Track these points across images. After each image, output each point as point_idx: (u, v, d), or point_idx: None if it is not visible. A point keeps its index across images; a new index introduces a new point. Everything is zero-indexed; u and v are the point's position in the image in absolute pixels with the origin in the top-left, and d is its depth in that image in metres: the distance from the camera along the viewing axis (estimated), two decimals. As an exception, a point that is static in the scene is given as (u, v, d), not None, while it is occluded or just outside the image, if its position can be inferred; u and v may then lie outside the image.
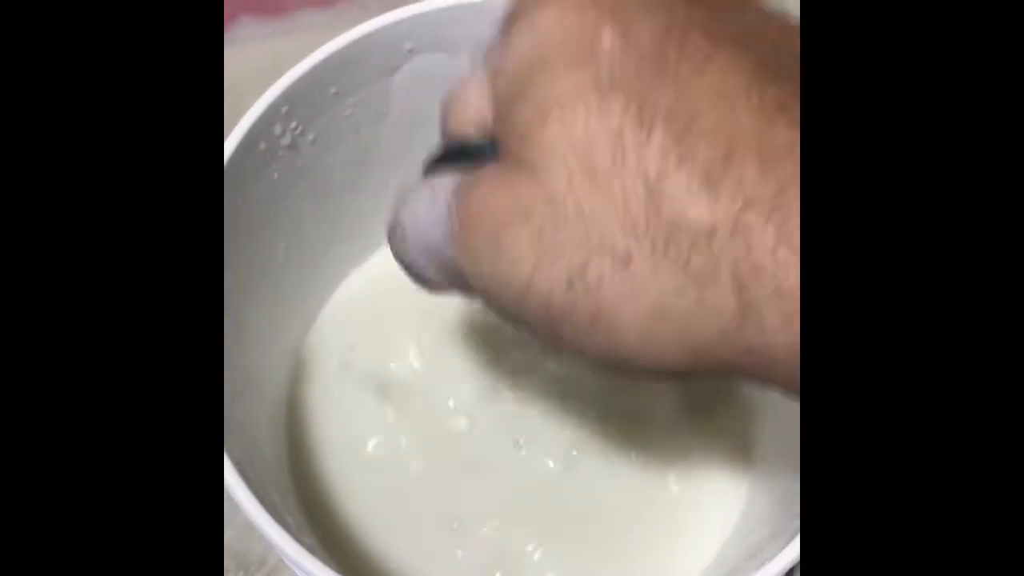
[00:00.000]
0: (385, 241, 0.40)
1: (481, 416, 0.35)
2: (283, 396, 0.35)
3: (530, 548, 0.33)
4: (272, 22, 0.47)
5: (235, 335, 0.30)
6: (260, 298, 0.32)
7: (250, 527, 0.24)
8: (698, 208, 0.16)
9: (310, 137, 0.31)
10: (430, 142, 0.23)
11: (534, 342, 0.20)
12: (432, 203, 0.20)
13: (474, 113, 0.21)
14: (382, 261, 0.38)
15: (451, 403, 0.35)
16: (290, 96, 0.29)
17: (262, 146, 0.29)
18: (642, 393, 0.35)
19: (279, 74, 0.29)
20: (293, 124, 0.30)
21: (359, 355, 0.36)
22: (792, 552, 0.24)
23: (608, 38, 0.18)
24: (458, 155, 0.22)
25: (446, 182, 0.20)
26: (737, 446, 0.35)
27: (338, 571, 0.23)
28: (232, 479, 0.24)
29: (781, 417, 0.33)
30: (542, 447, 0.34)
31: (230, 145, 0.28)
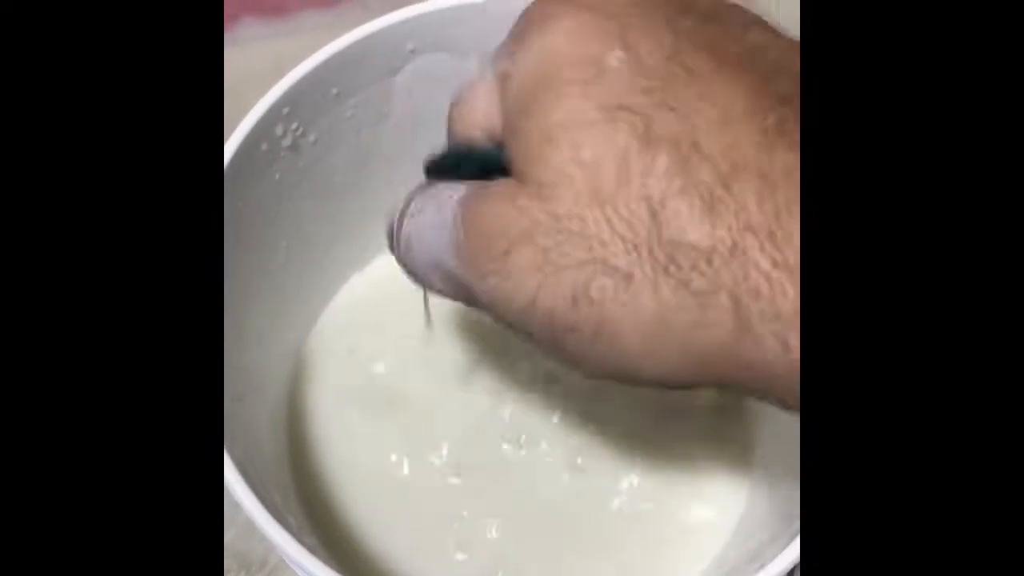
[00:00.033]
0: (385, 243, 0.40)
1: (483, 417, 0.35)
2: (284, 397, 0.35)
3: (530, 550, 0.33)
4: (274, 22, 0.47)
5: (236, 336, 0.30)
6: (261, 299, 0.32)
7: (251, 527, 0.24)
8: (699, 231, 0.17)
9: (311, 138, 0.31)
10: (432, 143, 0.23)
11: (537, 351, 0.20)
12: (438, 214, 0.21)
13: (482, 117, 0.21)
14: (383, 263, 0.38)
15: (453, 404, 0.35)
16: (292, 97, 0.29)
17: (264, 147, 0.29)
18: (644, 396, 0.35)
19: (281, 75, 0.29)
20: (294, 125, 0.30)
21: (360, 356, 0.36)
22: (792, 554, 0.24)
23: (616, 58, 0.18)
24: (464, 158, 0.22)
25: (453, 193, 0.20)
26: (737, 449, 0.35)
27: (339, 571, 0.23)
28: (233, 479, 0.24)
29: (781, 421, 0.33)
30: (543, 449, 0.34)
31: (231, 146, 0.28)
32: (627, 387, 0.34)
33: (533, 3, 0.20)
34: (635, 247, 0.17)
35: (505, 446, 0.34)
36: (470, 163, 0.22)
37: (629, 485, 0.34)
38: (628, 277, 0.18)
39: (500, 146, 0.21)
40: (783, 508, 0.29)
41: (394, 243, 0.23)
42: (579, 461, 0.34)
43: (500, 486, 0.34)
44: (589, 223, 0.18)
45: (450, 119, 0.23)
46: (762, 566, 0.24)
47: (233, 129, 0.28)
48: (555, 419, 0.35)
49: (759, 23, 0.20)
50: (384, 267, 0.38)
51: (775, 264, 0.17)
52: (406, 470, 0.34)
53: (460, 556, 0.32)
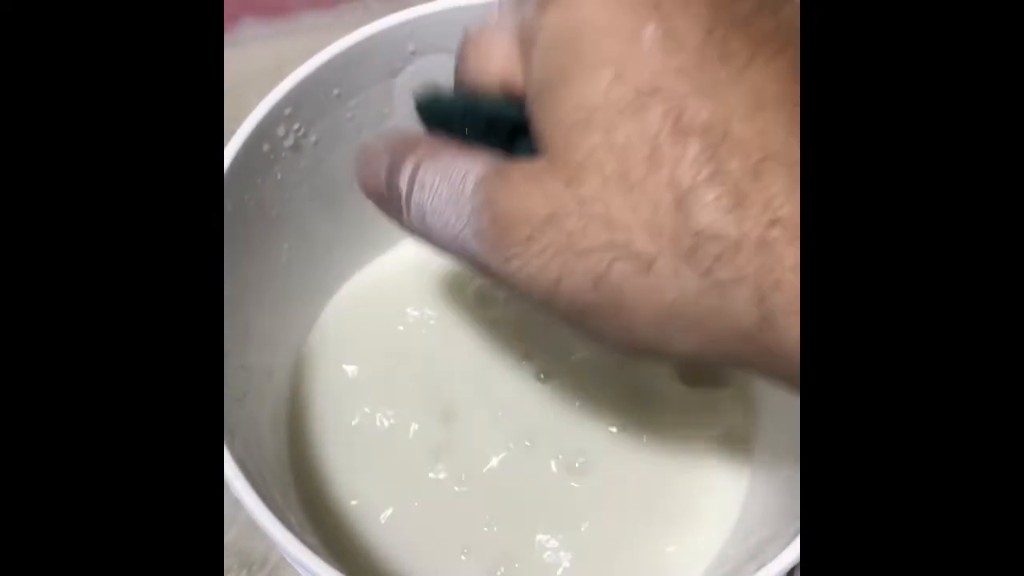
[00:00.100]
0: (387, 244, 0.40)
1: (484, 416, 0.35)
2: (285, 396, 0.35)
3: (532, 549, 0.33)
4: (275, 23, 0.47)
5: (238, 335, 0.30)
6: (263, 298, 0.32)
7: (252, 526, 0.24)
8: (726, 222, 0.17)
9: (313, 138, 0.31)
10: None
11: (557, 323, 0.20)
12: (456, 193, 0.20)
13: (499, 67, 0.21)
14: (384, 262, 0.38)
15: (454, 404, 0.35)
16: (293, 98, 0.29)
17: (265, 147, 0.29)
18: (645, 396, 0.35)
19: (282, 75, 0.29)
20: (296, 126, 0.30)
21: (361, 356, 0.36)
22: (792, 553, 0.24)
23: (650, 33, 0.18)
24: (472, 110, 0.21)
25: (470, 169, 0.20)
26: (737, 448, 0.35)
27: (339, 570, 0.23)
28: (235, 478, 0.24)
29: (782, 418, 0.33)
30: (545, 448, 0.34)
31: (233, 146, 0.28)
32: (627, 386, 0.35)
33: None
34: (658, 233, 0.17)
35: (507, 446, 0.34)
36: (478, 117, 0.21)
37: (629, 485, 0.34)
38: (650, 263, 0.18)
39: (513, 101, 0.21)
40: (783, 506, 0.29)
41: (400, 209, 0.22)
42: (581, 462, 0.34)
43: (502, 486, 0.34)
44: (614, 208, 0.18)
45: (461, 61, 0.22)
46: (762, 565, 0.24)
47: (234, 130, 0.28)
48: (556, 419, 0.35)
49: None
50: (385, 267, 0.38)
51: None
52: (407, 470, 0.34)
53: (461, 556, 0.33)
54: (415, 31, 0.30)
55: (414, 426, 0.35)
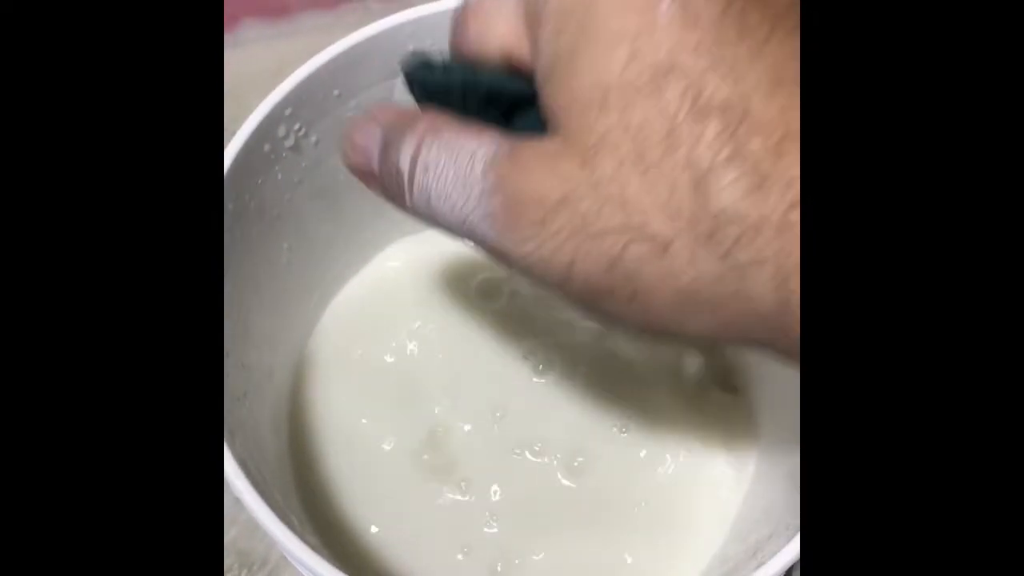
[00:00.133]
0: (387, 243, 0.40)
1: (484, 418, 0.35)
2: (286, 396, 0.35)
3: (531, 549, 0.33)
4: (275, 24, 0.47)
5: (239, 335, 0.30)
6: (264, 298, 0.32)
7: (253, 526, 0.24)
8: (746, 204, 0.16)
9: (313, 139, 0.31)
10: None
11: (571, 308, 0.20)
12: (463, 175, 0.19)
13: (501, 37, 0.20)
14: (385, 262, 0.38)
15: (454, 405, 0.35)
16: (294, 98, 0.29)
17: (266, 147, 0.29)
18: (644, 395, 0.35)
19: (282, 76, 0.29)
20: (296, 126, 0.30)
21: (362, 356, 0.36)
22: (792, 551, 0.24)
23: (667, 8, 0.17)
24: (471, 83, 0.20)
25: (476, 149, 0.19)
26: (737, 447, 0.35)
27: (340, 570, 0.23)
28: (236, 477, 0.24)
29: (782, 417, 0.33)
30: (544, 449, 0.34)
31: (234, 146, 0.28)
32: (627, 385, 0.35)
33: None
34: (676, 216, 0.17)
35: (507, 445, 0.34)
36: (477, 89, 0.20)
37: (629, 484, 0.34)
38: (666, 245, 0.17)
39: (514, 74, 0.20)
40: (783, 504, 0.29)
41: (400, 191, 0.21)
42: (580, 461, 0.34)
43: (501, 485, 0.34)
44: (630, 190, 0.17)
45: (458, 28, 0.22)
46: (761, 563, 0.24)
47: (235, 130, 0.28)
48: (555, 419, 0.35)
49: None
50: (385, 267, 0.38)
51: None
52: (407, 470, 0.34)
53: (460, 555, 0.33)
54: (415, 32, 0.30)
55: (414, 426, 0.35)
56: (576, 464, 0.34)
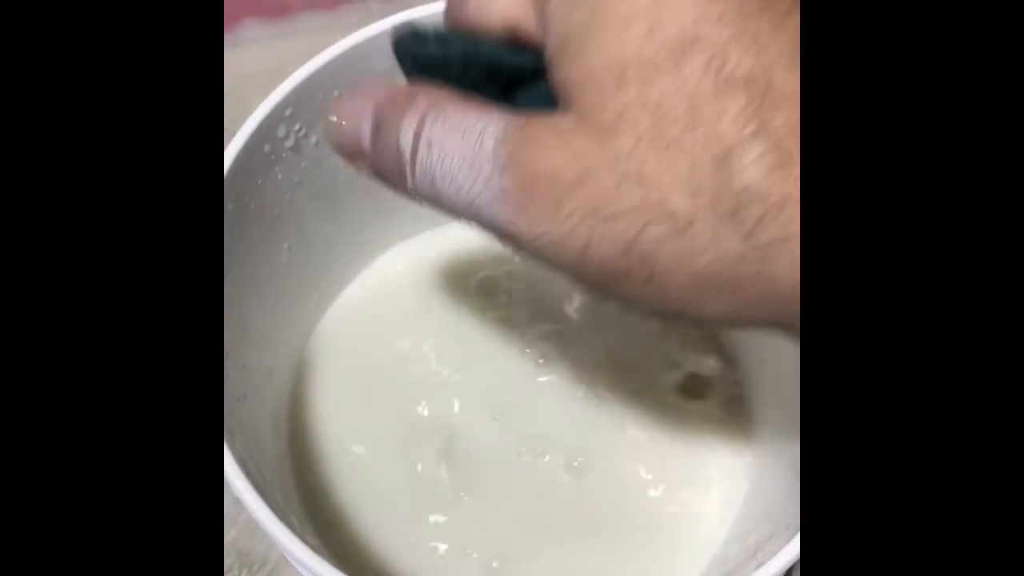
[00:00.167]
0: (387, 245, 0.40)
1: (484, 417, 0.35)
2: (286, 397, 0.35)
3: (532, 549, 0.33)
4: (276, 24, 0.47)
5: (239, 335, 0.30)
6: (264, 299, 0.32)
7: (253, 526, 0.24)
8: (770, 182, 0.16)
9: (313, 139, 0.31)
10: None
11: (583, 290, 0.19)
12: (471, 154, 0.18)
13: (504, 11, 0.20)
14: (385, 263, 0.38)
15: (454, 405, 0.35)
16: (294, 98, 0.29)
17: (266, 148, 0.30)
18: (645, 395, 0.35)
19: (282, 76, 0.29)
20: (297, 126, 0.30)
21: (362, 357, 0.36)
22: (792, 551, 0.24)
23: None
24: (471, 56, 0.20)
25: (485, 127, 0.18)
26: (737, 447, 0.35)
27: (341, 570, 0.23)
28: (236, 478, 0.24)
29: (782, 417, 0.33)
30: (544, 448, 0.34)
31: (234, 147, 0.28)
32: (628, 385, 0.35)
33: None
34: (697, 194, 0.16)
35: (508, 445, 0.34)
36: (476, 64, 0.19)
37: (629, 484, 0.34)
38: (686, 225, 0.17)
39: (517, 47, 0.19)
40: (783, 504, 0.29)
41: (400, 171, 0.20)
42: (580, 462, 0.34)
43: (501, 486, 0.34)
44: (649, 168, 0.17)
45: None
46: (761, 563, 0.24)
47: (235, 130, 0.28)
48: (556, 418, 0.35)
49: None
50: (385, 268, 0.38)
51: None
52: (407, 470, 0.34)
53: (461, 555, 0.33)
54: (416, 32, 0.30)
55: (415, 426, 0.35)
56: (576, 463, 0.34)
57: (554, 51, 0.18)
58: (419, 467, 0.34)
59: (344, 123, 0.21)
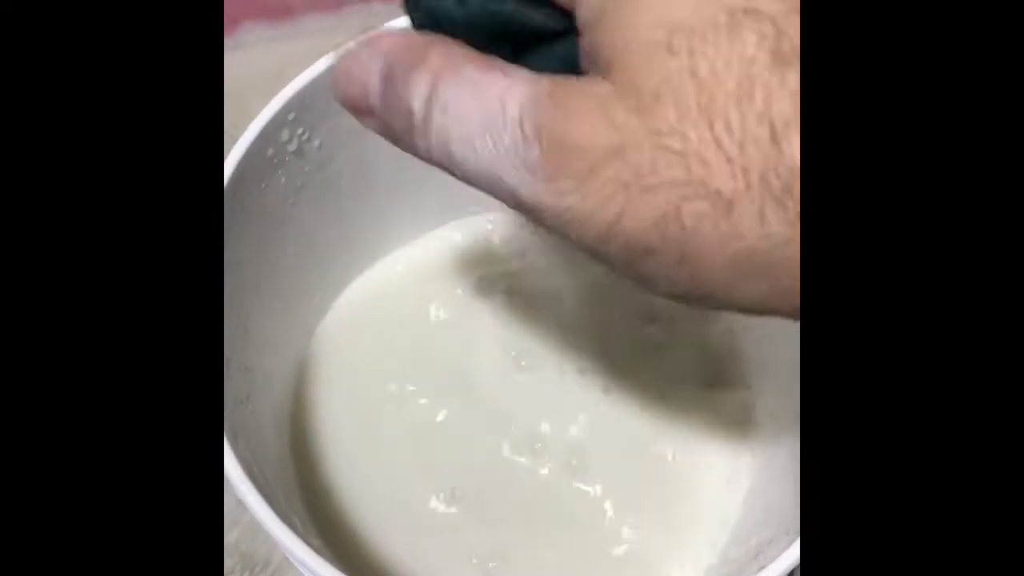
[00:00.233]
0: (389, 247, 0.40)
1: (485, 418, 0.35)
2: (288, 398, 0.35)
3: (532, 551, 0.33)
4: (278, 26, 0.47)
5: (242, 337, 0.30)
6: (267, 301, 0.32)
7: (255, 527, 0.24)
8: None
9: (316, 143, 0.31)
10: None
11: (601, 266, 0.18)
12: (492, 110, 0.17)
13: None
14: (387, 266, 0.38)
15: (455, 406, 0.35)
16: (297, 103, 0.29)
17: (269, 152, 0.30)
18: (646, 395, 0.35)
19: (285, 78, 0.29)
20: (300, 130, 0.30)
21: (363, 358, 0.36)
22: (793, 554, 0.24)
23: None
24: (491, 14, 0.18)
25: (508, 87, 0.17)
26: (738, 448, 0.35)
27: (342, 571, 0.23)
28: (239, 479, 0.24)
29: (783, 419, 0.33)
30: (543, 449, 0.34)
31: (238, 151, 0.28)
32: (628, 386, 0.35)
33: None
34: (745, 172, 0.15)
35: (506, 449, 0.34)
36: (496, 17, 0.18)
37: (628, 485, 0.34)
38: (730, 203, 0.16)
39: (541, 3, 0.18)
40: (784, 507, 0.29)
41: (410, 132, 0.19)
42: (577, 462, 0.34)
43: (502, 488, 0.34)
44: (693, 140, 0.16)
45: None
46: (763, 566, 0.24)
47: (235, 133, 0.28)
48: (556, 419, 0.35)
49: None
50: (387, 270, 0.38)
51: None
52: (409, 472, 0.34)
53: (461, 557, 0.33)
54: (419, 36, 0.30)
55: (416, 427, 0.35)
56: (575, 464, 0.34)
57: (592, 13, 0.17)
58: (420, 468, 0.34)
59: (351, 75, 0.19)
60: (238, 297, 0.29)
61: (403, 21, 0.30)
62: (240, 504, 0.24)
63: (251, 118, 0.29)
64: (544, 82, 0.17)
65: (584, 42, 0.18)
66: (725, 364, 0.36)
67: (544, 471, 0.34)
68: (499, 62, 0.18)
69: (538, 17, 0.18)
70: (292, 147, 0.30)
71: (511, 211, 0.18)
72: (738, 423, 0.35)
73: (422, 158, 0.19)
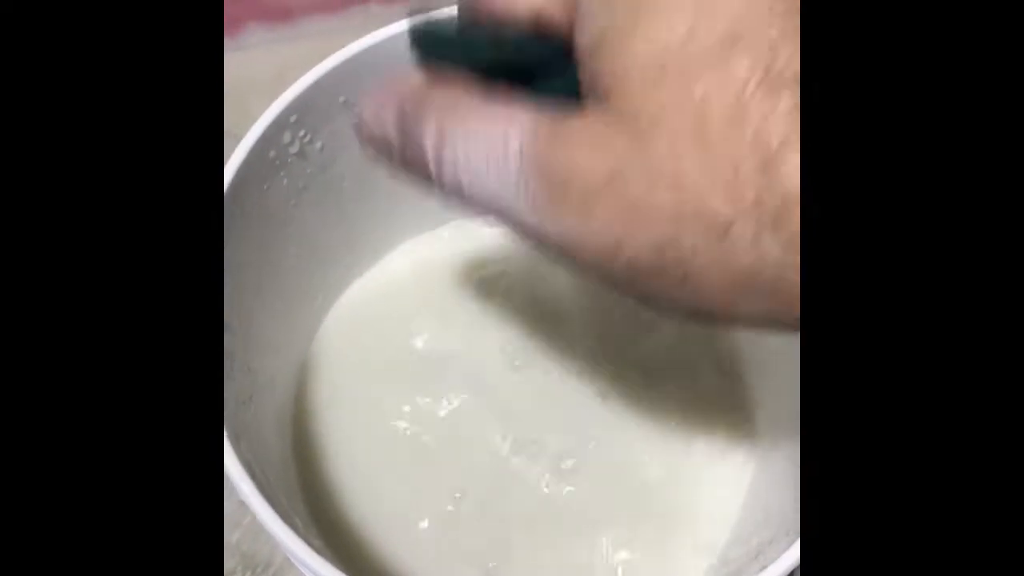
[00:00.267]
0: (390, 247, 0.40)
1: (487, 420, 0.35)
2: (290, 399, 0.35)
3: (532, 552, 0.33)
4: (279, 28, 0.47)
5: (245, 339, 0.30)
6: (268, 302, 0.32)
7: (257, 528, 0.24)
8: None
9: (318, 145, 0.31)
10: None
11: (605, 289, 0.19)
12: (496, 146, 0.18)
13: (530, 1, 0.19)
14: (388, 266, 0.38)
15: (455, 408, 0.35)
16: (299, 105, 0.29)
17: (271, 154, 0.30)
18: (643, 396, 0.35)
19: (285, 80, 0.29)
20: (302, 132, 0.30)
21: (365, 359, 0.36)
22: (794, 554, 0.24)
23: None
24: (496, 48, 0.19)
25: (510, 126, 0.18)
26: (738, 448, 0.35)
27: (344, 572, 0.23)
28: (241, 480, 0.24)
29: (783, 419, 0.33)
30: (544, 451, 0.34)
31: (240, 153, 0.28)
32: (627, 388, 0.35)
33: None
34: (738, 197, 0.16)
35: (507, 450, 0.34)
36: (501, 50, 0.19)
37: (628, 486, 0.34)
38: (726, 228, 0.16)
39: (541, 38, 0.19)
40: (785, 507, 0.29)
41: (425, 170, 0.19)
42: (578, 462, 0.34)
43: (502, 488, 0.34)
44: (687, 167, 0.16)
45: None
46: (763, 567, 0.24)
47: (237, 135, 0.28)
48: (558, 420, 0.35)
49: None
50: (388, 270, 0.38)
51: None
52: (410, 473, 0.34)
53: (462, 559, 0.33)
54: (420, 38, 0.31)
55: (416, 429, 0.35)
56: (576, 464, 0.34)
57: (589, 43, 0.18)
58: (421, 469, 0.34)
59: (371, 123, 0.20)
60: (240, 298, 0.30)
61: (402, 25, 0.30)
62: (242, 505, 0.24)
63: (251, 119, 0.29)
64: (543, 115, 0.18)
65: (583, 70, 0.18)
66: (725, 365, 0.36)
67: (544, 472, 0.34)
68: (501, 96, 0.18)
69: (538, 49, 0.19)
70: (294, 149, 0.30)
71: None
72: (738, 423, 0.35)
73: (441, 193, 0.20)
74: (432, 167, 0.19)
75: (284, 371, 0.35)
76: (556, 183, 0.17)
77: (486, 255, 0.38)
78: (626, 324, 0.37)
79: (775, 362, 0.34)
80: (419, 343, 0.37)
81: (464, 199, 0.19)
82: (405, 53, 0.31)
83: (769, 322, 0.17)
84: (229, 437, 0.25)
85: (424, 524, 0.33)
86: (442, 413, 0.35)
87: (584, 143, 0.17)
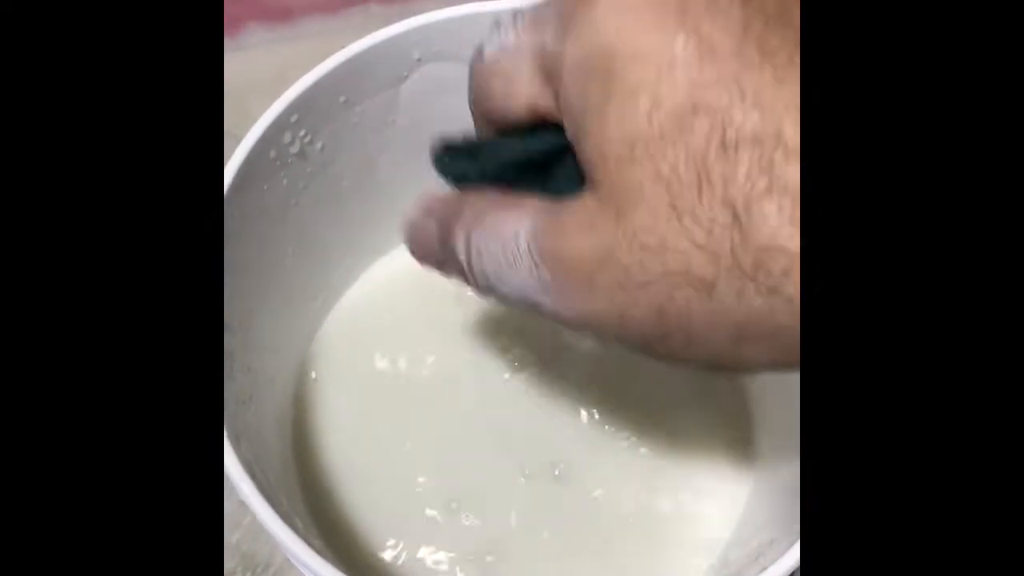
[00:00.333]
0: (390, 248, 0.40)
1: (484, 422, 0.35)
2: (290, 399, 0.35)
3: (529, 556, 0.33)
4: (279, 28, 0.47)
5: (245, 339, 0.30)
6: (269, 303, 0.32)
7: (257, 528, 0.24)
8: (790, 234, 0.16)
9: (318, 145, 0.31)
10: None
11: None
12: (509, 248, 0.20)
13: (526, 92, 0.20)
14: (388, 267, 0.38)
15: (455, 409, 0.35)
16: (300, 105, 0.29)
17: (272, 154, 0.30)
18: (642, 400, 0.35)
19: (285, 80, 0.29)
20: (302, 132, 0.30)
21: (365, 359, 0.36)
22: (794, 556, 0.24)
23: (682, 46, 0.17)
24: (509, 155, 0.21)
25: (517, 227, 0.20)
26: (738, 450, 0.35)
27: (344, 572, 0.23)
28: (242, 481, 0.24)
29: (783, 421, 0.33)
30: (544, 452, 0.34)
31: (240, 153, 0.28)
32: (627, 391, 0.35)
33: None
34: (716, 255, 0.17)
35: (506, 452, 0.34)
36: (511, 161, 0.21)
37: (629, 489, 0.34)
38: (711, 286, 0.17)
39: (544, 128, 0.20)
40: (785, 509, 0.29)
41: (465, 277, 0.22)
42: (578, 468, 0.34)
43: (503, 492, 0.34)
44: (667, 237, 0.17)
45: (480, 87, 0.22)
46: (764, 568, 0.24)
47: (237, 135, 0.28)
48: (558, 422, 0.35)
49: None
50: (389, 271, 0.38)
51: None
52: (410, 473, 0.34)
53: (461, 558, 0.33)
54: (421, 39, 0.31)
55: (416, 429, 0.35)
56: (576, 470, 0.34)
57: (572, 134, 0.19)
58: (421, 470, 0.34)
59: (418, 241, 0.24)
60: (240, 298, 0.30)
61: (403, 25, 0.30)
62: (242, 505, 0.24)
63: (251, 119, 0.29)
64: (545, 211, 0.19)
65: (577, 155, 0.19)
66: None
67: (544, 474, 0.34)
68: (514, 199, 0.21)
69: (546, 144, 0.21)
70: (294, 149, 0.30)
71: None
72: (739, 424, 0.35)
73: (478, 293, 0.22)
74: (466, 271, 0.22)
75: (284, 371, 0.35)
76: (560, 270, 0.19)
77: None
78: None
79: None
80: (419, 344, 0.37)
81: (498, 296, 0.21)
82: (404, 54, 0.31)
83: (779, 366, 0.18)
84: (229, 437, 0.25)
85: (424, 524, 0.33)
86: (442, 414, 0.35)
87: (577, 227, 0.19)
